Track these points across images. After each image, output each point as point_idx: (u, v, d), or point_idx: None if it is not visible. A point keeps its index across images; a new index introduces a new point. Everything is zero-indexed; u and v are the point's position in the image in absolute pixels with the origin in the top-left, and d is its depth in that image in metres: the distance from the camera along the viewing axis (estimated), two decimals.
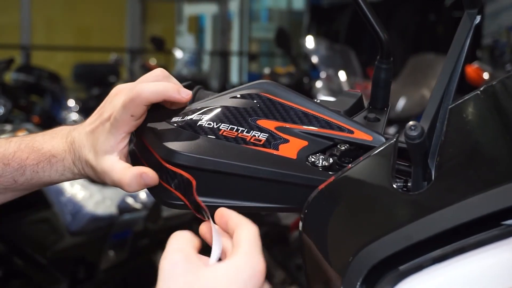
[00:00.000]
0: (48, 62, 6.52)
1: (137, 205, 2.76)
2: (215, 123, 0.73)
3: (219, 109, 0.74)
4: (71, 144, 0.77)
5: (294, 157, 0.70)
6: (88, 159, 0.76)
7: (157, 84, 0.73)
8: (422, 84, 4.51)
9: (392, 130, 4.03)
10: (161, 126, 0.74)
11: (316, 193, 0.62)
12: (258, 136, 0.72)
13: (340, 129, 0.72)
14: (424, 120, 0.62)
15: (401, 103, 4.44)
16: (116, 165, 0.74)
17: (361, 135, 0.71)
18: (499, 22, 5.48)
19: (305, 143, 0.72)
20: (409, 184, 0.62)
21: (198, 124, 0.73)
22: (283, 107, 0.74)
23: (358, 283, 0.52)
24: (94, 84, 5.75)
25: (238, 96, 0.76)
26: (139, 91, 0.72)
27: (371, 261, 0.52)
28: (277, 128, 0.72)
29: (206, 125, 0.73)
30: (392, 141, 0.61)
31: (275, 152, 0.71)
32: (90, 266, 2.69)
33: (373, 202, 0.58)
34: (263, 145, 0.71)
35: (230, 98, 0.76)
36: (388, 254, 0.52)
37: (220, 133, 0.72)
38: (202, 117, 0.74)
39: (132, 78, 6.65)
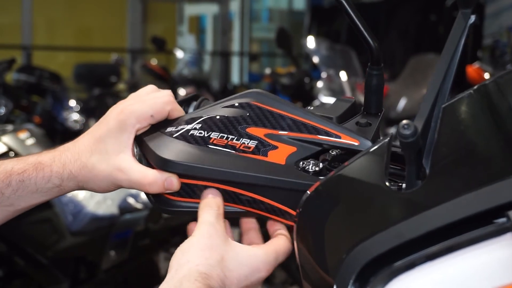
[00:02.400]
0: (49, 63, 6.52)
1: (138, 205, 2.76)
2: (206, 132, 0.75)
3: (210, 119, 0.77)
4: (63, 152, 0.79)
5: (283, 162, 0.72)
6: (89, 163, 0.77)
7: None
8: (423, 84, 4.49)
9: (392, 130, 4.03)
10: (156, 135, 0.77)
11: (309, 195, 0.62)
12: (248, 144, 0.74)
13: (328, 134, 0.74)
14: (418, 119, 0.62)
15: (401, 103, 4.43)
16: (133, 166, 0.76)
17: (348, 139, 0.73)
18: (500, 22, 5.47)
19: (293, 149, 0.73)
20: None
21: (190, 134, 0.76)
22: (272, 115, 0.76)
23: (351, 281, 0.52)
24: (95, 85, 5.75)
25: (229, 105, 0.78)
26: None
27: (364, 259, 0.52)
28: (266, 135, 0.74)
29: (197, 134, 0.75)
30: (385, 140, 0.62)
31: (264, 158, 0.73)
32: (91, 266, 2.69)
33: (366, 200, 0.58)
34: (252, 152, 0.73)
35: (221, 107, 0.78)
36: (381, 252, 0.52)
37: (211, 141, 0.75)
38: (194, 126, 0.76)
39: (133, 78, 6.65)
